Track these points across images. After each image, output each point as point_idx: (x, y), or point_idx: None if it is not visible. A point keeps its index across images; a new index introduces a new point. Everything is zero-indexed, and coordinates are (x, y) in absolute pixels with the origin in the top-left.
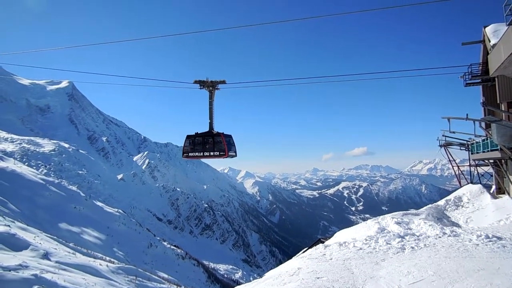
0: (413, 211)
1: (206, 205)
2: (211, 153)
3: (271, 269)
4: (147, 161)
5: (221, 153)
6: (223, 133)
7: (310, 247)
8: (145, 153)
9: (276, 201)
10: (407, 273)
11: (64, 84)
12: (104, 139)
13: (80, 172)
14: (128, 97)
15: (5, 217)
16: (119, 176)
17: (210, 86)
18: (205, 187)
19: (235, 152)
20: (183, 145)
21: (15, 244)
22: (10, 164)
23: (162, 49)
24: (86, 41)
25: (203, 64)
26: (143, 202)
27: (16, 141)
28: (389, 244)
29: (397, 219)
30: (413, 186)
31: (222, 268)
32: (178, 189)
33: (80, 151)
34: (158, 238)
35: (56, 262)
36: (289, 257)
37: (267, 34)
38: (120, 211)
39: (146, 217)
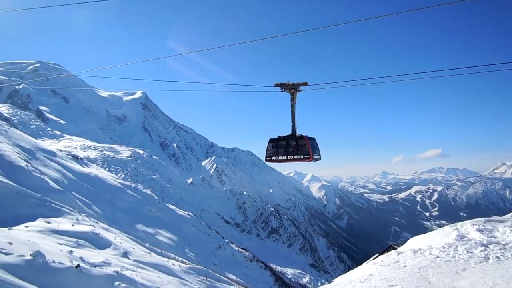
0: (496, 217)
1: (273, 209)
2: (295, 157)
3: (340, 275)
4: (214, 165)
5: (305, 156)
6: (306, 135)
7: (382, 253)
8: (213, 158)
9: (344, 205)
10: (492, 285)
11: (138, 94)
12: (174, 145)
13: (154, 176)
14: (196, 104)
15: (90, 218)
16: (189, 180)
17: (292, 88)
18: (271, 191)
19: (319, 155)
20: (266, 149)
21: (99, 243)
22: (93, 170)
23: (235, 55)
24: (159, 50)
25: (276, 68)
26: (211, 205)
27: (98, 148)
28: (471, 252)
29: (478, 226)
30: (496, 190)
31: (289, 272)
32: (244, 192)
33: (153, 157)
34: (227, 240)
35: (134, 260)
36: (359, 263)
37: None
38: (191, 213)
39: (214, 220)
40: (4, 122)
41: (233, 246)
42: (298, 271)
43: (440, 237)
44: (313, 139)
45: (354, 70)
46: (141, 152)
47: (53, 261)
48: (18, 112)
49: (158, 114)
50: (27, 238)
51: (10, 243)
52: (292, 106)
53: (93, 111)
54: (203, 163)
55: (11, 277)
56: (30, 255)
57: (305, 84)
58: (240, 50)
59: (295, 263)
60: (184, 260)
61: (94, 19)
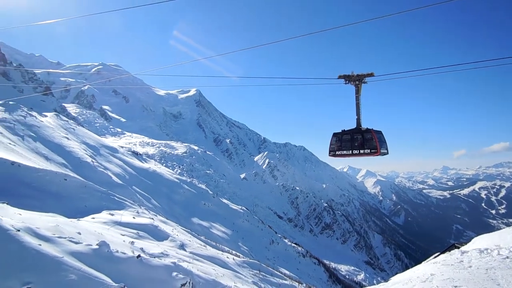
0: None
1: (326, 204)
2: (361, 151)
3: (397, 273)
4: (267, 161)
5: (372, 150)
6: (372, 129)
7: (443, 252)
8: (265, 153)
9: (401, 201)
10: None
11: (192, 92)
12: (227, 141)
13: (208, 171)
14: (249, 101)
15: (149, 211)
16: (242, 175)
17: (357, 80)
18: (324, 186)
19: (387, 149)
20: (329, 143)
21: (158, 235)
22: (152, 165)
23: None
24: (215, 47)
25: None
26: (264, 200)
27: (155, 145)
28: None
29: None
30: None
31: (343, 268)
32: (297, 188)
33: (207, 152)
34: (279, 235)
35: (190, 252)
36: (417, 261)
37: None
38: (244, 208)
39: (267, 215)
40: (72, 121)
41: (286, 241)
42: (353, 268)
43: (510, 236)
44: (380, 132)
45: (414, 60)
46: (195, 148)
47: (117, 251)
48: (84, 112)
49: (211, 111)
50: (94, 228)
51: (79, 233)
52: (357, 99)
53: (150, 109)
54: (255, 159)
55: (80, 264)
56: (97, 244)
57: (371, 75)
58: (291, 45)
59: (350, 260)
60: (237, 253)
61: (150, 21)
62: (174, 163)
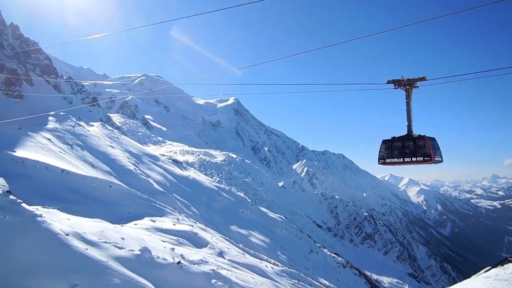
0: None
1: (366, 214)
2: (413, 159)
3: (443, 287)
4: (305, 169)
5: (425, 158)
6: (425, 135)
7: (495, 266)
8: (304, 161)
9: (447, 211)
10: None
11: (230, 101)
12: (266, 149)
13: (246, 179)
14: (287, 108)
15: (189, 218)
16: (280, 184)
17: (407, 84)
18: (364, 195)
19: (441, 157)
20: (378, 151)
21: (197, 242)
22: (191, 173)
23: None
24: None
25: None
26: (303, 209)
27: (195, 153)
28: None
29: None
30: None
31: (385, 280)
32: (336, 196)
33: (246, 160)
34: (319, 244)
35: (229, 260)
36: (466, 275)
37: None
38: (282, 216)
39: (306, 224)
40: (116, 130)
41: (325, 250)
42: (396, 280)
43: None
44: (433, 139)
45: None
46: (234, 156)
47: (158, 257)
48: (128, 121)
49: (249, 119)
50: (136, 234)
51: (123, 239)
52: (408, 104)
53: (190, 118)
54: (294, 167)
55: (123, 269)
56: (139, 250)
57: (423, 79)
58: (329, 53)
59: (392, 272)
60: (276, 262)
61: (190, 33)
62: (213, 171)
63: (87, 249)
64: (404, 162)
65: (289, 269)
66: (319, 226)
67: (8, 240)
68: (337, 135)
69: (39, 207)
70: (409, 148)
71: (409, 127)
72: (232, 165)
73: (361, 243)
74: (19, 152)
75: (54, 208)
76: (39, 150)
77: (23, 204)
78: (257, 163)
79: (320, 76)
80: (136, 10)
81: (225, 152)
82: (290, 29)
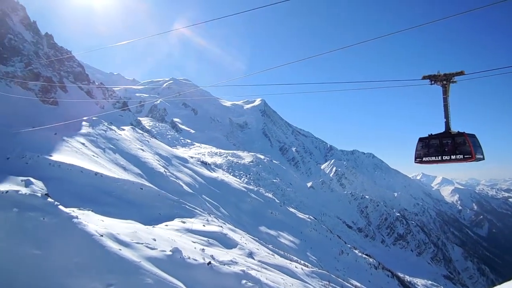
0: None
1: (398, 214)
2: (452, 157)
3: None
4: (334, 169)
5: (465, 156)
6: (465, 132)
7: None
8: (332, 161)
9: (483, 211)
10: None
11: (257, 102)
12: (293, 149)
13: (274, 180)
14: (313, 108)
15: (218, 219)
16: (309, 184)
17: (444, 80)
18: (395, 195)
19: (483, 154)
20: (415, 149)
21: (227, 243)
22: (220, 174)
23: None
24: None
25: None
26: (332, 209)
27: (223, 154)
28: None
29: None
30: None
31: (419, 282)
32: (366, 196)
33: (274, 161)
34: (349, 245)
35: (259, 261)
36: (506, 278)
37: None
38: (311, 217)
39: (336, 224)
40: (146, 134)
41: (356, 251)
42: (430, 282)
43: None
44: (473, 136)
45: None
46: (262, 157)
47: (189, 257)
48: (157, 124)
49: (276, 120)
50: (167, 235)
51: (154, 239)
52: (445, 100)
53: (218, 120)
54: (322, 167)
55: (156, 269)
56: (170, 250)
57: (461, 73)
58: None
59: (426, 273)
60: (306, 263)
61: (216, 36)
62: (241, 172)
63: (120, 249)
64: (442, 161)
65: (319, 270)
66: (349, 227)
67: (47, 240)
68: (366, 134)
69: (75, 209)
70: (447, 145)
71: (447, 123)
72: (260, 166)
73: (393, 244)
74: (55, 157)
75: (88, 210)
76: (74, 154)
77: (60, 206)
78: (285, 163)
79: (348, 75)
80: (164, 16)
81: (252, 153)
82: (316, 29)
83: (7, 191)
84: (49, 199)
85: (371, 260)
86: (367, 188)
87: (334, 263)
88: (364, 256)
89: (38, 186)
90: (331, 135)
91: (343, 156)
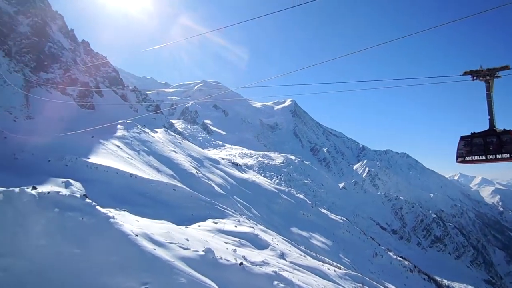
0: None
1: (435, 215)
2: (498, 156)
3: None
4: (367, 169)
5: None
6: (511, 130)
7: None
8: (364, 161)
9: None
10: None
11: (287, 102)
12: (324, 150)
13: (306, 181)
14: (344, 108)
15: (250, 220)
16: (341, 185)
17: (487, 75)
18: (431, 196)
19: None
20: (456, 148)
21: (258, 244)
22: (251, 176)
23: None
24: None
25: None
26: (365, 210)
27: (254, 155)
28: None
29: None
30: None
31: (458, 287)
32: (401, 197)
33: (305, 162)
34: (383, 247)
35: (291, 262)
36: None
37: None
38: (344, 218)
39: (369, 226)
40: (178, 136)
41: (390, 253)
42: (470, 287)
43: None
44: None
45: None
46: (293, 157)
47: (221, 258)
48: (189, 126)
49: (307, 120)
50: (200, 236)
51: (187, 240)
52: (489, 96)
53: (248, 121)
54: (354, 167)
55: (189, 269)
56: (203, 251)
57: (506, 67)
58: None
59: (466, 278)
60: (339, 265)
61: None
62: (272, 173)
63: (155, 249)
64: (487, 160)
65: (353, 272)
66: (383, 228)
67: (86, 240)
68: (399, 134)
69: (111, 210)
70: (492, 144)
71: (491, 121)
72: (291, 166)
73: (430, 247)
74: (93, 159)
75: (124, 210)
76: (110, 156)
77: (98, 207)
78: (316, 164)
79: (378, 72)
80: (196, 18)
81: (283, 154)
82: (341, 29)
83: (48, 192)
84: (87, 200)
85: (406, 263)
86: (401, 189)
87: (368, 265)
88: (399, 258)
89: (77, 187)
90: (364, 135)
91: (376, 156)
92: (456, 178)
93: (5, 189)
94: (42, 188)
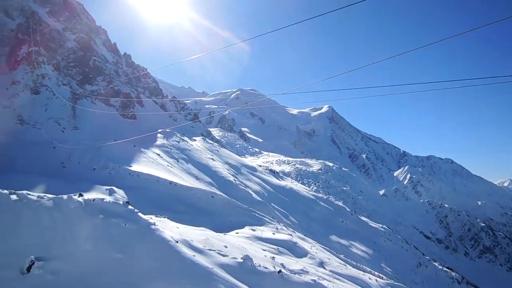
0: None
1: (483, 224)
2: None
3: None
4: (408, 176)
5: None
6: None
7: None
8: (406, 167)
9: None
10: None
11: (324, 109)
12: (364, 156)
13: (344, 188)
14: (384, 113)
15: (288, 227)
16: (381, 192)
17: None
18: (479, 203)
19: None
20: None
21: (296, 252)
22: (288, 183)
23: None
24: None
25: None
26: (407, 218)
27: (291, 162)
28: None
29: None
30: None
31: None
32: (446, 205)
33: (343, 168)
34: (428, 257)
35: (330, 271)
36: None
37: None
38: (385, 226)
39: (412, 234)
40: (216, 144)
41: (436, 264)
42: None
43: None
44: None
45: None
46: (330, 164)
47: (259, 265)
48: (226, 134)
49: (345, 126)
50: (238, 243)
51: (226, 247)
52: None
53: (285, 128)
54: (395, 174)
55: (228, 276)
56: (241, 258)
57: None
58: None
59: None
60: (380, 275)
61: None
62: (310, 180)
63: (194, 255)
64: None
65: (396, 283)
66: (427, 237)
67: (128, 246)
68: (442, 138)
69: (152, 216)
70: None
71: None
72: (329, 173)
73: (478, 257)
74: (134, 167)
75: (164, 217)
76: (150, 164)
77: (140, 214)
78: (355, 171)
79: (417, 76)
80: (231, 27)
81: (321, 161)
82: (376, 34)
83: (94, 199)
84: (130, 207)
85: (453, 274)
86: (445, 196)
87: (411, 275)
88: (445, 269)
89: (120, 194)
90: (404, 141)
91: (418, 162)
92: (506, 184)
93: (54, 196)
94: (87, 195)
